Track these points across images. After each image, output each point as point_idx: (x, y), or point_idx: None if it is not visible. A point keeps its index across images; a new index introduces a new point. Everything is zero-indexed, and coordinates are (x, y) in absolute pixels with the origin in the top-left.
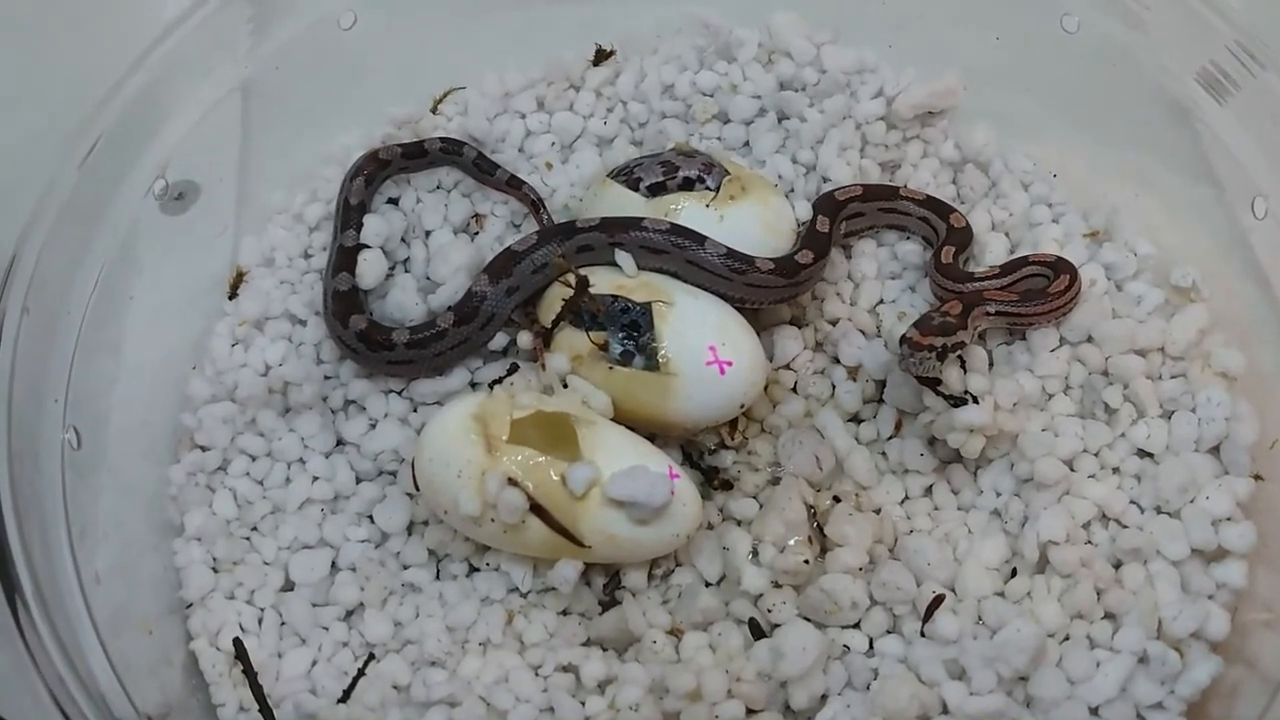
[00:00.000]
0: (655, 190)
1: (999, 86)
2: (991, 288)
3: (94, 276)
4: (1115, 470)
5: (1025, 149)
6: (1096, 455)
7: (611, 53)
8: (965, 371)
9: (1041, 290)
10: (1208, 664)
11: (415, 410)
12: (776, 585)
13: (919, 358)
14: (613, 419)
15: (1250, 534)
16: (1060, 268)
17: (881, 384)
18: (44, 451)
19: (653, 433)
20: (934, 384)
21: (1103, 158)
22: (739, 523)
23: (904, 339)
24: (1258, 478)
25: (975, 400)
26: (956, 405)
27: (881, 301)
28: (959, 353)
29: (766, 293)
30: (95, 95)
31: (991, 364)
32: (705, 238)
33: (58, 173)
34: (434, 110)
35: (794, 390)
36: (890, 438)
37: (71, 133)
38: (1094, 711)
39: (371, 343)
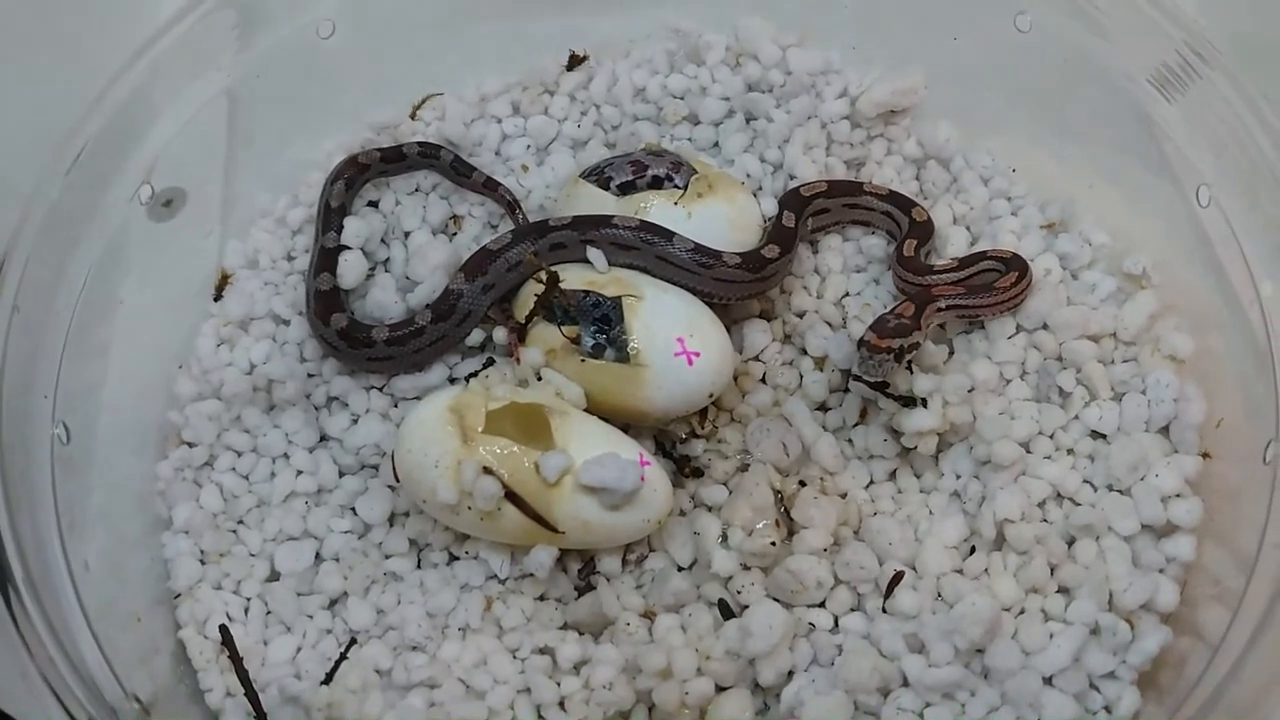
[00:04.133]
0: (625, 189)
1: (960, 85)
2: (947, 282)
3: (82, 279)
4: (1069, 451)
5: (986, 145)
6: (1051, 437)
7: (584, 58)
8: (912, 373)
9: (990, 284)
10: (1157, 634)
11: (395, 405)
12: (745, 567)
13: (877, 359)
14: (586, 410)
15: (1198, 509)
16: (1013, 264)
17: (847, 373)
18: (34, 445)
19: (626, 423)
20: (883, 387)
21: (1060, 152)
22: (709, 508)
23: (862, 342)
24: (1205, 456)
25: (924, 404)
26: (907, 406)
27: (847, 294)
28: (913, 354)
29: (734, 287)
30: (82, 102)
31: (952, 351)
32: (673, 233)
33: (44, 179)
34: (413, 116)
35: (763, 381)
36: (856, 425)
37: (58, 139)
38: (1048, 681)
39: (352, 340)
